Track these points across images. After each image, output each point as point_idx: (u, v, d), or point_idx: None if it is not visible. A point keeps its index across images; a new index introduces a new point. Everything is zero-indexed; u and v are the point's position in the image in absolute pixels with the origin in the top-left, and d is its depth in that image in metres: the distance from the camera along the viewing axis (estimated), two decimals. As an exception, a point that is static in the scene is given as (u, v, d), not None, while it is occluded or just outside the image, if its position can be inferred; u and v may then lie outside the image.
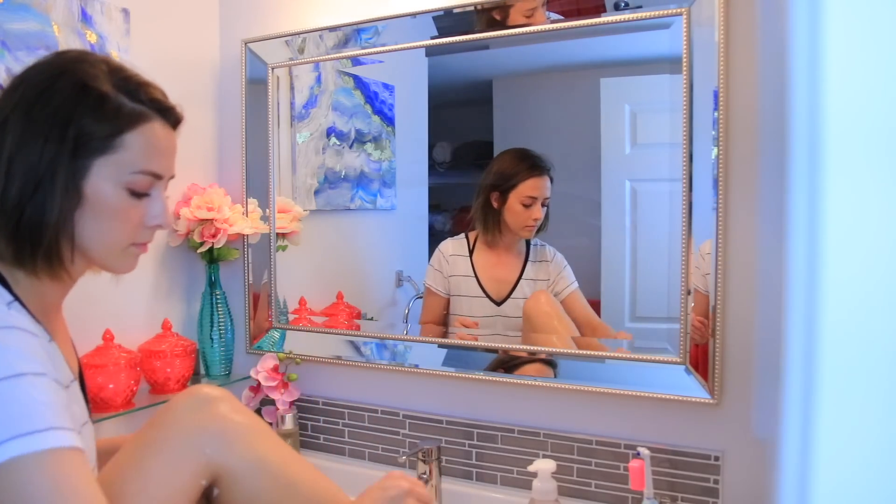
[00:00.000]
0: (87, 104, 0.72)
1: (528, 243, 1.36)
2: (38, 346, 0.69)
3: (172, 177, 0.82)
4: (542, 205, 1.31)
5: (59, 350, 0.76)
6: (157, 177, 0.78)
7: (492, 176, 1.34)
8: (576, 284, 1.29)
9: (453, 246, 1.40)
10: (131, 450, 0.85)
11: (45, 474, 0.62)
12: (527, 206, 1.31)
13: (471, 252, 1.38)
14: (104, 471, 0.85)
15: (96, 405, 1.26)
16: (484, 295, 1.36)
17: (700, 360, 1.12)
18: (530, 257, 1.35)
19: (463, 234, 1.39)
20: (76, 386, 0.81)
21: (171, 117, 0.80)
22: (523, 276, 1.34)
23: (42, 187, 0.70)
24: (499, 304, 1.35)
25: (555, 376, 1.25)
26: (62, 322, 0.87)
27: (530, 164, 1.31)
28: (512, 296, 1.34)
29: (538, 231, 1.33)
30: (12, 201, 0.70)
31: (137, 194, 0.76)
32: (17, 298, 0.73)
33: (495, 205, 1.34)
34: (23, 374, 0.64)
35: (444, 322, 1.40)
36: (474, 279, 1.37)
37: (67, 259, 0.74)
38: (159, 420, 0.88)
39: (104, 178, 0.73)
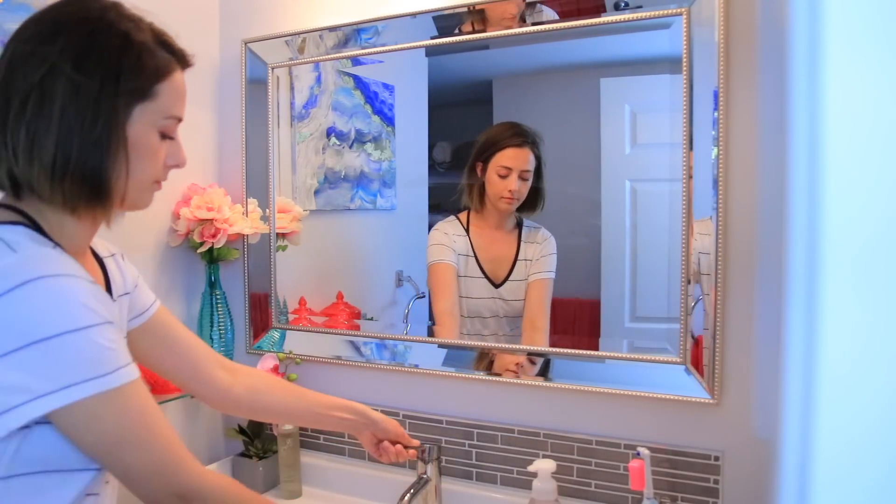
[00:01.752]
0: (132, 55, 0.77)
1: (520, 224, 1.35)
2: (92, 291, 0.74)
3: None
4: (522, 178, 1.31)
5: (103, 291, 0.79)
6: (180, 120, 0.85)
7: (478, 145, 1.34)
8: (551, 275, 1.30)
9: (451, 226, 1.39)
10: None
11: (131, 404, 0.74)
12: (502, 177, 1.31)
13: (467, 231, 1.38)
14: None
15: (96, 405, 1.26)
16: (483, 276, 1.36)
17: (700, 360, 1.12)
18: (523, 237, 1.35)
19: (452, 216, 1.39)
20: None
21: (187, 63, 0.86)
22: (519, 257, 1.34)
23: (97, 133, 0.75)
24: (497, 286, 1.35)
25: (546, 377, 1.25)
26: (91, 261, 0.90)
27: (511, 133, 1.31)
28: (510, 278, 1.34)
29: (530, 210, 1.33)
30: (68, 146, 0.75)
31: (164, 136, 0.83)
32: (57, 244, 0.77)
33: (479, 174, 1.34)
34: (89, 327, 0.71)
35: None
36: (474, 259, 1.36)
37: (109, 202, 0.80)
38: None
39: (144, 123, 0.79)
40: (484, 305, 1.35)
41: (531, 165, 1.30)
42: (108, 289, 0.92)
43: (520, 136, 1.30)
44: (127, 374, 0.74)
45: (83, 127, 0.75)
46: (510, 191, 1.31)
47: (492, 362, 1.32)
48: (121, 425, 0.73)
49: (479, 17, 1.28)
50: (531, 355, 1.29)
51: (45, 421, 0.71)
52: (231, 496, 0.83)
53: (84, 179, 0.76)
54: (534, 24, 1.24)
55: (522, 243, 1.34)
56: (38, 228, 0.77)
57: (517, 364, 1.29)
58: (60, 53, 0.75)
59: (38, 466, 0.74)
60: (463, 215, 1.38)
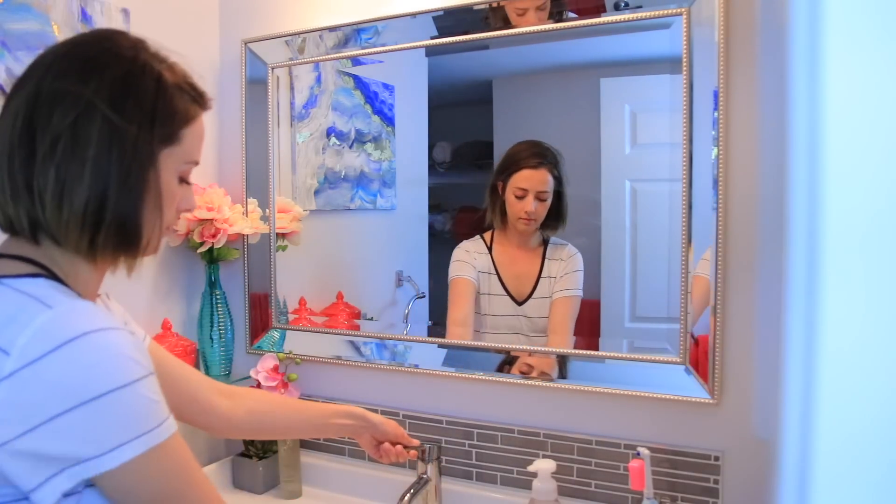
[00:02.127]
0: (165, 98, 0.75)
1: (545, 241, 1.34)
2: (134, 343, 0.71)
3: None
4: (539, 199, 1.29)
5: (137, 336, 0.79)
6: (196, 164, 0.83)
7: (499, 163, 1.33)
8: (577, 293, 1.28)
9: (474, 245, 1.38)
10: None
11: (172, 459, 0.72)
12: (519, 198, 1.30)
13: (489, 249, 1.37)
14: None
15: (96, 405, 1.26)
16: (505, 293, 1.35)
17: (700, 360, 1.12)
18: (548, 254, 1.33)
19: (477, 236, 1.38)
20: None
21: (207, 106, 0.84)
22: (542, 275, 1.32)
23: (132, 179, 0.73)
24: (520, 303, 1.34)
25: (564, 377, 1.25)
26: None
27: (528, 154, 1.30)
28: (533, 295, 1.33)
29: (550, 228, 1.31)
30: (103, 192, 0.71)
31: (182, 181, 0.81)
32: (73, 290, 0.73)
33: (500, 192, 1.33)
34: (137, 381, 0.68)
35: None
36: (496, 276, 1.35)
37: (143, 247, 0.77)
38: None
39: (166, 169, 0.77)
40: (506, 323, 1.34)
41: (549, 186, 1.29)
42: None
43: (537, 156, 1.29)
44: (171, 426, 0.71)
45: (119, 172, 0.71)
46: (526, 212, 1.30)
47: (503, 363, 1.32)
48: (167, 481, 0.71)
49: (499, 16, 1.26)
50: (532, 355, 1.29)
51: (92, 484, 0.69)
52: None
53: (119, 227, 0.73)
54: (536, 24, 1.24)
55: (547, 260, 1.33)
56: (55, 278, 0.73)
57: (528, 365, 1.29)
58: (96, 93, 0.71)
59: None
60: (487, 234, 1.37)
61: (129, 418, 0.67)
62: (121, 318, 0.92)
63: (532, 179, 1.29)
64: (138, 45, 0.77)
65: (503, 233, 1.35)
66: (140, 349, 0.71)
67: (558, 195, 1.29)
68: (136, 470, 0.68)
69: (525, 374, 1.28)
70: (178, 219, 0.84)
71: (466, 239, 1.38)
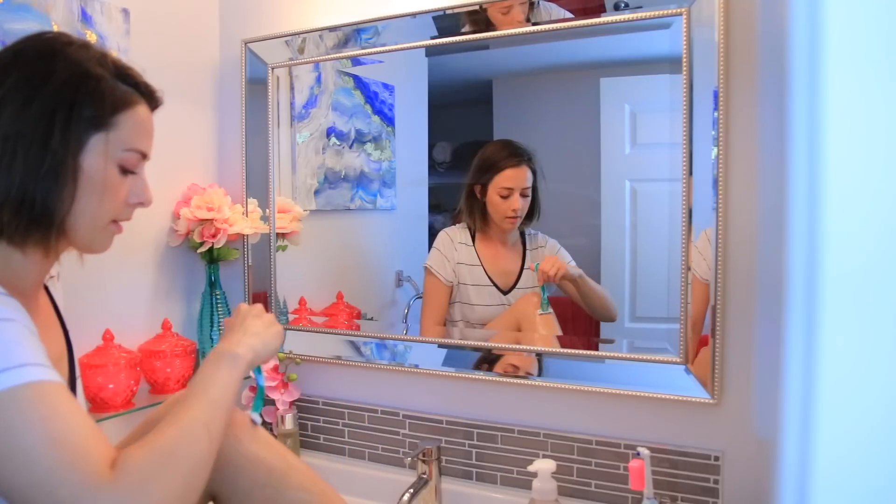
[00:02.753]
0: (87, 86, 0.76)
1: (522, 233, 1.36)
2: (7, 304, 0.69)
3: (149, 159, 0.86)
4: (523, 195, 1.32)
5: (16, 302, 0.74)
6: (144, 156, 0.83)
7: (474, 167, 1.36)
8: (572, 263, 1.30)
9: (460, 233, 1.40)
10: None
11: (32, 407, 0.64)
12: (504, 198, 1.32)
13: (473, 241, 1.38)
14: None
15: (96, 405, 1.26)
16: (491, 283, 1.36)
17: (700, 360, 1.12)
18: (528, 246, 1.36)
19: (464, 224, 1.39)
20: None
21: (154, 101, 0.85)
22: (525, 267, 1.35)
23: (45, 164, 0.73)
24: (505, 293, 1.36)
25: (539, 374, 1.26)
26: (43, 308, 0.86)
27: (507, 153, 1.32)
28: (517, 286, 1.35)
29: (528, 220, 1.34)
30: (12, 178, 0.73)
31: (125, 171, 0.81)
32: None
33: (478, 196, 1.35)
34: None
35: (446, 315, 1.39)
36: (480, 268, 1.37)
37: (55, 235, 0.77)
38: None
39: (98, 154, 0.77)
40: (494, 313, 1.36)
41: (529, 182, 1.32)
42: (58, 313, 0.89)
43: (516, 155, 1.32)
44: (29, 374, 0.65)
45: (29, 153, 0.73)
46: (514, 210, 1.33)
47: (492, 363, 1.32)
48: (16, 435, 0.62)
49: (482, 18, 1.27)
50: (536, 356, 1.29)
51: None
52: (155, 465, 0.68)
53: (23, 207, 0.73)
54: (534, 23, 1.24)
55: (528, 251, 1.36)
56: None
57: (513, 366, 1.29)
58: (12, 85, 0.74)
59: None
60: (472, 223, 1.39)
61: None
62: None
63: (516, 178, 1.31)
64: (70, 42, 0.79)
65: (484, 233, 1.38)
66: (7, 304, 0.69)
67: (533, 190, 1.32)
68: None
69: (513, 371, 1.28)
70: (130, 212, 0.84)
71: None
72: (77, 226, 0.78)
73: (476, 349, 1.34)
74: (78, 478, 0.63)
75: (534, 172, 1.31)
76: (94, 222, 0.79)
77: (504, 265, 1.37)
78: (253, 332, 0.90)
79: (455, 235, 1.39)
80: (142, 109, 0.82)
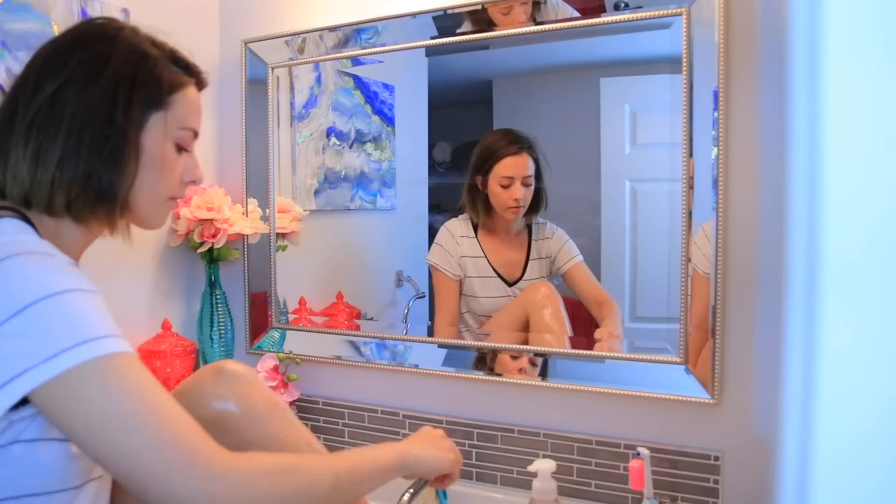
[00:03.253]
0: (146, 66, 0.80)
1: (528, 225, 1.35)
2: (73, 270, 0.71)
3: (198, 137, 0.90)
4: (525, 184, 1.30)
5: (87, 277, 0.77)
6: (196, 134, 0.87)
7: (474, 158, 1.34)
8: (580, 257, 1.29)
9: (461, 226, 1.38)
10: None
11: (117, 376, 0.65)
12: (505, 187, 1.31)
13: (476, 233, 1.38)
14: None
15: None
16: (496, 275, 1.36)
17: (700, 360, 1.12)
18: (533, 236, 1.34)
19: (465, 215, 1.39)
20: None
21: (201, 82, 0.89)
22: (530, 257, 1.34)
23: (109, 143, 0.76)
24: (511, 284, 1.35)
25: (544, 377, 1.25)
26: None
27: (506, 141, 1.31)
28: (524, 277, 1.35)
29: (534, 211, 1.33)
30: (77, 157, 0.75)
31: (180, 149, 0.84)
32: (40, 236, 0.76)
33: (480, 188, 1.34)
34: (74, 290, 0.67)
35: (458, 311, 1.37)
36: (485, 259, 1.36)
37: (118, 211, 0.80)
38: (182, 391, 0.94)
39: (158, 133, 0.80)
40: (499, 304, 1.36)
41: (531, 170, 1.30)
42: None
43: (515, 143, 1.30)
44: (117, 344, 0.67)
45: (94, 132, 0.75)
46: (515, 199, 1.31)
47: (494, 363, 1.32)
48: (108, 401, 0.64)
49: (483, 17, 1.27)
50: (536, 355, 1.29)
51: (18, 440, 0.66)
52: (273, 473, 0.71)
53: (89, 185, 0.76)
54: (537, 23, 1.24)
55: (534, 242, 1.34)
56: (26, 220, 0.75)
57: (520, 369, 1.29)
58: (75, 67, 0.77)
59: (14, 491, 0.68)
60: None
61: (60, 327, 0.64)
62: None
63: (516, 166, 1.30)
64: (124, 27, 0.83)
65: (487, 224, 1.37)
66: (82, 275, 0.70)
67: (538, 178, 1.31)
68: (74, 385, 0.63)
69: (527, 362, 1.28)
70: (184, 189, 0.87)
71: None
72: (138, 202, 0.80)
73: (476, 349, 1.34)
74: (188, 454, 0.65)
75: (536, 161, 1.30)
76: (153, 198, 0.82)
77: (508, 256, 1.36)
78: (433, 445, 0.96)
79: (456, 229, 1.39)
80: (192, 90, 0.86)
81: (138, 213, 0.82)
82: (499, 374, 1.30)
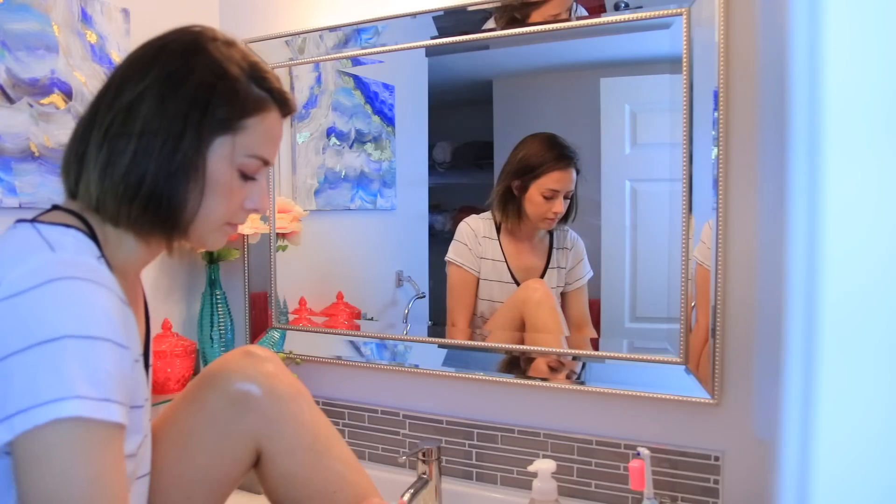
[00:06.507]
0: (223, 87, 0.76)
1: (550, 231, 1.32)
2: (120, 310, 0.70)
3: (271, 165, 0.86)
4: (566, 197, 1.27)
5: (133, 317, 0.76)
6: (266, 163, 0.82)
7: (515, 162, 1.29)
8: (587, 277, 1.28)
9: (483, 226, 1.34)
10: (181, 408, 0.94)
11: (96, 449, 0.63)
12: (548, 199, 1.27)
13: (498, 234, 1.34)
14: (155, 426, 0.93)
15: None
16: (513, 281, 1.33)
17: (700, 360, 1.12)
18: (555, 244, 1.32)
19: (489, 213, 1.35)
20: (141, 361, 0.81)
21: (287, 108, 0.83)
22: (549, 265, 1.31)
23: (176, 163, 0.74)
24: None
25: (580, 380, 1.25)
26: (140, 289, 0.88)
27: (556, 154, 1.26)
28: None
29: (564, 221, 1.30)
30: (143, 174, 0.73)
31: (245, 177, 0.80)
32: (103, 255, 0.75)
33: (516, 193, 1.30)
34: (96, 338, 0.65)
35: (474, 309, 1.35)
36: (504, 264, 1.33)
37: (177, 232, 0.78)
38: (210, 370, 0.96)
39: (221, 157, 0.77)
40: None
41: (574, 184, 1.27)
42: (147, 320, 0.89)
43: (564, 157, 1.26)
44: (115, 414, 0.64)
45: (162, 149, 0.73)
46: (555, 212, 1.28)
47: (522, 365, 1.32)
48: (77, 468, 0.62)
49: (521, 10, 1.23)
50: (536, 355, 1.29)
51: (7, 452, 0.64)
52: None
53: (151, 203, 0.74)
54: (539, 23, 1.23)
55: (554, 250, 1.31)
56: (93, 237, 0.74)
57: (550, 368, 1.27)
58: (155, 78, 0.75)
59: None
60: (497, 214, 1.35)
61: (72, 372, 0.62)
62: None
63: (563, 180, 1.26)
64: (211, 38, 0.80)
65: (511, 229, 1.33)
66: (125, 321, 0.69)
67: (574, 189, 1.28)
68: (58, 437, 0.61)
69: (549, 372, 1.27)
70: (245, 216, 0.84)
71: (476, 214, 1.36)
72: (194, 224, 0.78)
73: (476, 349, 1.34)
74: None
75: (577, 173, 1.27)
76: (209, 223, 0.79)
77: (528, 261, 1.33)
78: None
79: (479, 228, 1.34)
80: (272, 116, 0.81)
81: (194, 235, 0.80)
82: (499, 374, 1.30)
